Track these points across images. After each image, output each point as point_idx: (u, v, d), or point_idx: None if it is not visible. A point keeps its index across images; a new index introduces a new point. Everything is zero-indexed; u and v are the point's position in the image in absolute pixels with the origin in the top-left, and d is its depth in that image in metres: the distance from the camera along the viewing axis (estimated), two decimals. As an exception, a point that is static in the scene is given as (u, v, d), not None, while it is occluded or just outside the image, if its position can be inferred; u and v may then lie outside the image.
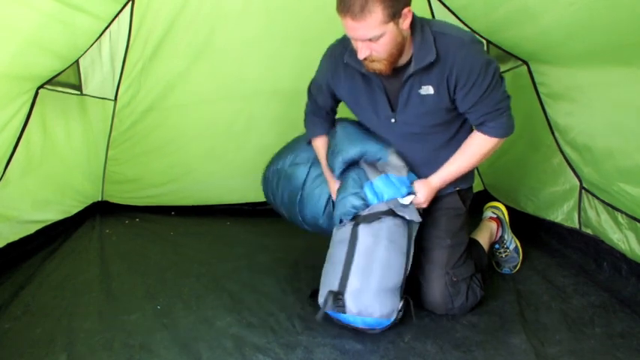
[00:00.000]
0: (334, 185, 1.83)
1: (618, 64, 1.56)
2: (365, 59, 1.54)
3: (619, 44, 1.47)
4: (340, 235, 1.70)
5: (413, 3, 1.64)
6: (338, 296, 1.57)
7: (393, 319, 1.58)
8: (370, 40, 1.47)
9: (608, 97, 1.68)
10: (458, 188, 1.82)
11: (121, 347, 1.60)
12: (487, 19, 2.09)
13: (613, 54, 1.55)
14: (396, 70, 1.61)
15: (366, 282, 1.58)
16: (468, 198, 1.87)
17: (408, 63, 1.60)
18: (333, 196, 1.82)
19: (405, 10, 1.47)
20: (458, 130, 1.75)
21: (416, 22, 1.56)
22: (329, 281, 1.63)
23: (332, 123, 1.96)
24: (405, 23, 1.49)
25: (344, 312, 1.56)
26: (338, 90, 1.81)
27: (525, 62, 2.14)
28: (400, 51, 1.55)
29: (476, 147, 1.70)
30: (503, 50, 2.21)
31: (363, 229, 1.65)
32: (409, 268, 1.65)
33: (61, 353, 1.57)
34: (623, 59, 1.52)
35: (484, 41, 2.18)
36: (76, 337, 1.67)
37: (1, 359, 1.57)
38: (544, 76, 2.05)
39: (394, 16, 1.44)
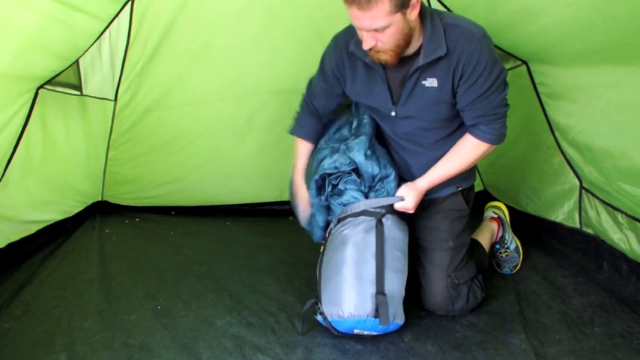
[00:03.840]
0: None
1: (618, 64, 1.56)
2: (370, 49, 1.49)
3: (619, 44, 1.47)
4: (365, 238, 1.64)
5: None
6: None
7: None
8: (376, 30, 1.43)
9: (608, 97, 1.68)
10: (460, 188, 1.79)
11: (121, 347, 1.60)
12: (487, 20, 2.08)
13: (613, 54, 1.55)
14: (402, 61, 1.56)
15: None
16: (471, 198, 1.85)
17: (415, 54, 1.55)
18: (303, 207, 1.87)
19: (414, 1, 1.42)
20: (456, 128, 1.71)
21: (426, 13, 1.51)
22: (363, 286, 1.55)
23: (320, 129, 1.92)
24: (413, 14, 1.44)
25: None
26: (344, 80, 1.75)
27: (525, 62, 2.14)
28: (407, 42, 1.50)
29: (466, 150, 1.66)
30: (503, 50, 2.21)
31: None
32: None
33: (61, 353, 1.57)
34: (623, 59, 1.52)
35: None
36: (76, 336, 1.67)
37: (1, 359, 1.57)
38: (544, 76, 2.04)
39: (402, 6, 1.39)
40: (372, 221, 1.64)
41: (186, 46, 2.59)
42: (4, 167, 2.12)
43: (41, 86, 2.19)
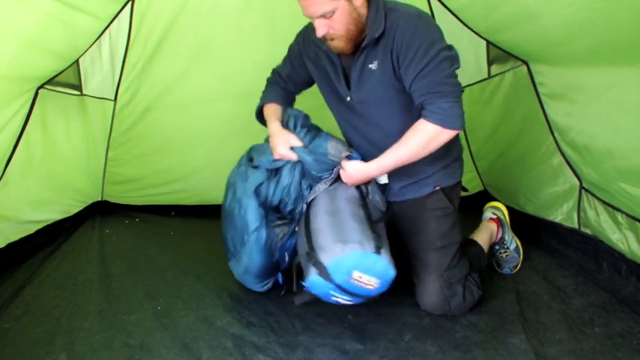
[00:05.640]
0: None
1: (618, 64, 1.57)
2: (325, 39, 1.59)
3: (619, 44, 1.47)
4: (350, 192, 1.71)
5: (412, 3, 1.65)
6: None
7: None
8: (324, 16, 1.53)
9: (607, 97, 1.68)
10: (438, 187, 1.77)
11: (120, 347, 1.60)
12: (487, 20, 2.09)
13: (613, 54, 1.55)
14: (356, 49, 1.65)
15: None
16: (455, 195, 1.83)
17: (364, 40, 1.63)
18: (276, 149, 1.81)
19: None
20: (417, 117, 1.62)
21: (372, 1, 1.61)
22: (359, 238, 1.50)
23: (288, 97, 1.96)
24: (359, 0, 1.55)
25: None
26: (307, 64, 1.84)
27: (525, 62, 2.14)
28: (358, 27, 1.59)
29: (416, 133, 1.57)
30: (503, 50, 2.21)
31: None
32: None
33: (61, 353, 1.58)
34: (623, 59, 1.52)
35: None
36: (76, 336, 1.67)
37: (1, 359, 1.57)
38: (544, 76, 2.05)
39: None
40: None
41: (186, 46, 2.59)
42: (3, 167, 2.12)
43: (41, 86, 2.20)
